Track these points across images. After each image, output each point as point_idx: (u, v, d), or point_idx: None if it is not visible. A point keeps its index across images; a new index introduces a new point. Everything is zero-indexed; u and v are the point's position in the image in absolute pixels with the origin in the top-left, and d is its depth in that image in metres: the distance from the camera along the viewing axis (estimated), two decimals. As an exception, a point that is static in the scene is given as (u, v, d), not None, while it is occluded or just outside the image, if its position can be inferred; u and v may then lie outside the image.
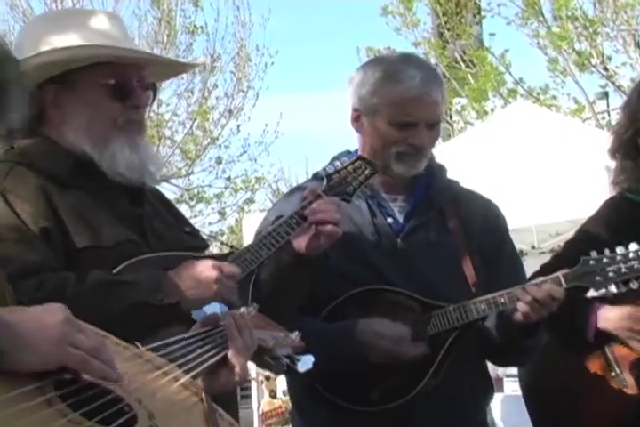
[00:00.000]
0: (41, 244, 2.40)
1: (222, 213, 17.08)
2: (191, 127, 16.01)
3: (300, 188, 3.09)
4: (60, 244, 2.42)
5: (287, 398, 9.64)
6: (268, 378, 9.21)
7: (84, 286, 2.34)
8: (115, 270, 2.42)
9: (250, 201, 17.29)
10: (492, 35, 15.53)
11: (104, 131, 2.54)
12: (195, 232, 2.78)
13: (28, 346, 1.55)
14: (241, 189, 17.08)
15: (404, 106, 2.92)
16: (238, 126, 16.19)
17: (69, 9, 2.54)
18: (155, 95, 2.69)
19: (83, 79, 2.55)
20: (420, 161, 2.97)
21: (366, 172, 2.82)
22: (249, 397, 10.19)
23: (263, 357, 2.20)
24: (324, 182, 2.79)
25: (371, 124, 2.98)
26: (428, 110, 2.95)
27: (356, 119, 3.03)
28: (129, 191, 2.60)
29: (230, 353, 2.03)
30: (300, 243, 2.69)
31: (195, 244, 2.68)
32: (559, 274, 2.84)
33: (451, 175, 3.19)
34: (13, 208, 2.41)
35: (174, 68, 2.99)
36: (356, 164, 2.83)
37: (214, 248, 2.84)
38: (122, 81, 2.56)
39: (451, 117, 15.59)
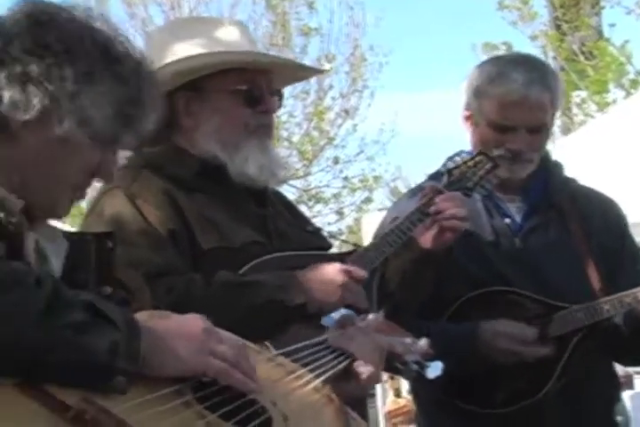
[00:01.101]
0: (169, 246, 2.44)
1: (340, 213, 17.11)
2: (308, 128, 16.10)
3: (419, 188, 3.08)
4: (187, 246, 2.46)
5: (412, 397, 9.63)
6: (392, 377, 9.19)
7: (211, 287, 2.38)
8: (241, 271, 2.45)
9: (368, 200, 17.27)
10: (611, 25, 15.21)
11: (236, 136, 2.58)
12: (317, 232, 2.80)
13: (169, 353, 1.59)
14: (359, 188, 17.07)
15: (503, 109, 2.89)
16: (355, 126, 16.22)
17: (194, 17, 2.56)
18: (280, 100, 2.71)
19: (213, 86, 2.58)
20: (519, 166, 2.92)
21: (487, 166, 2.81)
22: (373, 395, 10.21)
23: (392, 363, 2.20)
24: (445, 178, 2.79)
25: (476, 125, 2.97)
26: (528, 114, 2.90)
27: (467, 119, 3.02)
28: (252, 194, 2.63)
29: (359, 360, 2.04)
30: (426, 239, 2.68)
31: (318, 243, 2.70)
32: None
33: (571, 170, 3.15)
34: (141, 212, 2.46)
35: (297, 74, 2.99)
36: (477, 158, 2.82)
37: (335, 248, 2.86)
38: (253, 87, 2.60)
39: (570, 111, 15.31)
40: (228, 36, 2.67)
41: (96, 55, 1.73)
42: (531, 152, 2.93)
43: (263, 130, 2.64)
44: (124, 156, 2.78)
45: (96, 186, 2.09)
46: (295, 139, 16.07)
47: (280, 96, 2.71)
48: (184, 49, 2.61)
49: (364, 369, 2.04)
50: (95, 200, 2.59)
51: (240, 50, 2.64)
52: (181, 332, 1.63)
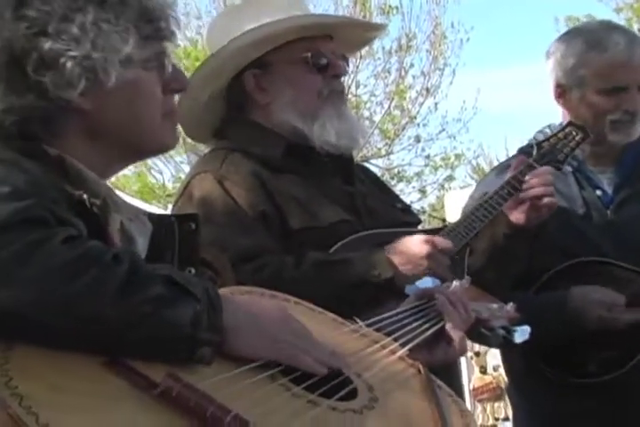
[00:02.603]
0: (259, 228, 2.46)
1: (423, 192, 17.05)
2: (389, 107, 16.03)
3: (507, 165, 3.05)
4: (277, 226, 2.48)
5: (497, 373, 9.57)
6: (477, 354, 9.12)
7: (302, 268, 2.39)
8: (331, 250, 2.46)
9: (450, 178, 17.16)
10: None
11: (311, 104, 2.59)
12: (406, 208, 2.79)
13: (248, 333, 1.59)
14: (440, 166, 16.98)
15: (612, 72, 2.88)
16: (436, 104, 16.10)
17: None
18: (347, 66, 2.70)
19: (280, 59, 2.60)
20: (635, 127, 2.91)
21: (577, 137, 2.78)
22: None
23: (479, 329, 2.18)
24: (534, 150, 2.76)
25: (580, 97, 2.93)
26: (637, 73, 2.91)
27: (561, 95, 2.97)
28: (340, 171, 2.64)
29: (447, 326, 2.02)
30: (519, 216, 2.67)
31: (407, 219, 2.69)
32: None
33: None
34: (230, 194, 2.49)
35: (360, 37, 2.93)
36: (567, 130, 2.79)
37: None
38: (319, 53, 2.60)
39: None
40: (283, 8, 2.66)
41: (83, 1, 1.70)
42: None
43: (336, 95, 2.64)
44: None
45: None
46: (377, 118, 16.02)
47: (346, 61, 2.70)
48: (245, 24, 2.61)
49: (454, 334, 2.02)
50: (185, 183, 2.63)
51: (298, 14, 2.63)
52: (260, 312, 1.63)
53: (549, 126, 2.94)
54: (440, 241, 2.45)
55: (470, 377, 9.94)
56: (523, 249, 2.75)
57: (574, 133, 2.78)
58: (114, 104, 1.74)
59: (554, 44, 3.00)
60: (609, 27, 3.01)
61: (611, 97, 2.89)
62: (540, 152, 2.76)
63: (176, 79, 1.82)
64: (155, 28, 1.76)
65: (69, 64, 1.67)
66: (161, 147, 1.85)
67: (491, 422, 9.84)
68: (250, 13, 2.66)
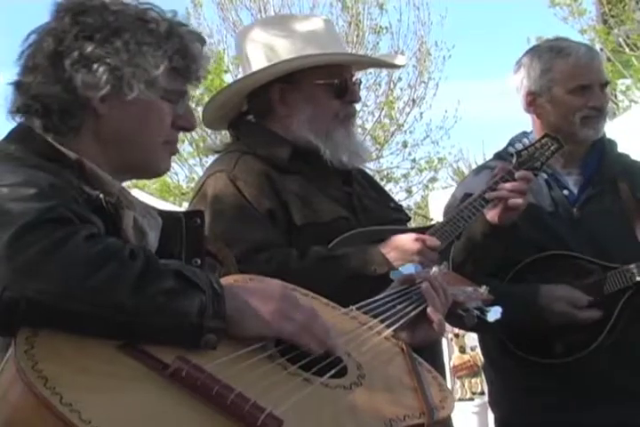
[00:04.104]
0: (267, 223, 2.45)
1: (409, 191, 17.03)
2: (379, 116, 16.02)
3: (485, 166, 3.05)
4: (283, 222, 2.47)
5: (475, 353, 9.59)
6: (457, 335, 9.16)
7: (305, 261, 2.39)
8: (330, 245, 2.45)
9: (433, 179, 17.14)
10: (654, 19, 14.85)
11: (327, 124, 2.58)
12: (398, 207, 2.79)
13: (250, 313, 1.57)
14: (425, 169, 16.96)
15: (577, 73, 2.88)
16: (421, 113, 16.11)
17: (284, 15, 2.51)
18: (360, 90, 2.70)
19: (306, 79, 2.58)
20: (601, 123, 2.92)
21: (552, 147, 2.77)
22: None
23: (455, 310, 2.16)
24: (514, 159, 2.75)
25: (550, 101, 2.91)
26: (598, 72, 2.94)
27: (531, 103, 2.96)
28: (340, 173, 2.63)
29: (429, 310, 2.01)
30: (494, 216, 2.66)
31: (399, 217, 2.69)
32: None
33: (619, 150, 3.08)
34: (242, 193, 2.48)
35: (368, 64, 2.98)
36: (543, 140, 2.78)
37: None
38: (342, 81, 2.60)
39: (616, 97, 15.00)
40: (317, 33, 2.65)
41: (135, 23, 1.73)
42: (606, 107, 2.94)
43: (349, 119, 2.64)
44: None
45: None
46: (368, 126, 16.00)
47: (359, 85, 2.70)
48: (280, 49, 2.60)
49: (434, 316, 2.01)
50: (201, 182, 2.62)
51: (330, 51, 2.62)
52: (262, 295, 1.61)
53: (527, 136, 2.93)
54: (429, 239, 2.46)
55: (451, 356, 9.97)
56: (497, 246, 2.74)
57: (550, 144, 2.77)
58: (126, 116, 1.73)
59: (520, 61, 3.00)
60: (565, 39, 3.06)
61: (578, 96, 2.88)
62: (520, 160, 2.75)
63: (186, 119, 1.82)
64: (185, 66, 1.76)
65: (102, 69, 1.68)
66: (152, 167, 1.82)
67: (468, 395, 9.86)
68: (286, 35, 2.63)
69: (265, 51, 2.63)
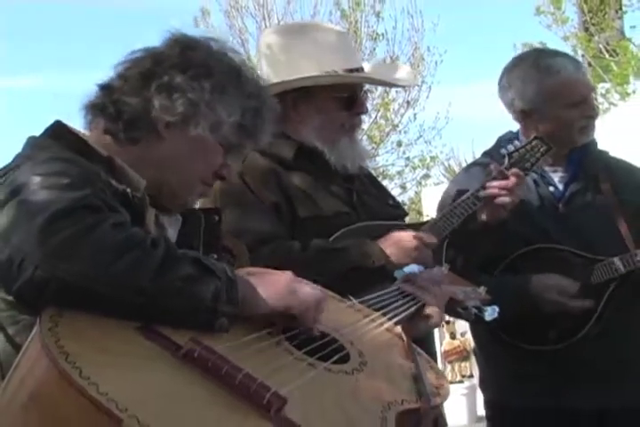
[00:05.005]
0: (273, 216, 2.45)
1: (403, 188, 17.02)
2: (376, 117, 16.01)
3: (475, 164, 3.04)
4: (288, 215, 2.46)
5: (464, 339, 9.59)
6: (448, 322, 9.15)
7: (307, 253, 2.38)
8: (331, 238, 2.45)
9: (426, 176, 17.13)
10: (632, 27, 14.79)
11: (333, 134, 2.57)
12: (396, 204, 2.79)
13: (260, 297, 1.58)
14: (418, 166, 16.96)
15: (570, 90, 2.86)
16: (415, 115, 16.08)
17: (305, 24, 2.48)
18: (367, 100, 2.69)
19: (317, 91, 2.57)
20: (594, 127, 2.93)
21: (542, 149, 2.75)
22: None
23: (455, 308, 2.19)
24: (506, 159, 2.73)
25: (546, 117, 2.88)
26: (587, 85, 2.95)
27: (524, 118, 2.93)
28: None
29: (427, 304, 2.03)
30: (484, 213, 2.64)
31: (396, 213, 2.69)
32: None
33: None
34: (250, 187, 2.47)
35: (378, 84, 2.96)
36: (533, 143, 2.76)
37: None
38: (352, 94, 2.59)
39: (597, 100, 14.99)
40: (335, 47, 2.62)
41: (230, 74, 1.77)
42: (598, 112, 2.97)
43: (355, 128, 2.64)
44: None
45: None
46: (365, 126, 15.95)
47: (366, 94, 2.69)
48: (298, 62, 2.58)
49: (432, 312, 2.02)
50: None
51: (346, 66, 2.59)
52: (272, 279, 1.63)
53: (513, 135, 2.93)
54: (426, 237, 2.46)
55: (442, 342, 9.97)
56: (486, 242, 2.73)
57: (540, 146, 2.76)
58: (182, 146, 1.76)
59: (506, 78, 2.94)
60: (547, 53, 3.01)
61: (573, 109, 2.86)
62: (511, 161, 2.73)
63: (229, 171, 1.84)
64: (253, 126, 1.79)
65: (181, 100, 1.72)
66: (180, 198, 1.82)
67: (458, 378, 9.87)
68: (304, 48, 2.60)
69: (283, 61, 2.61)
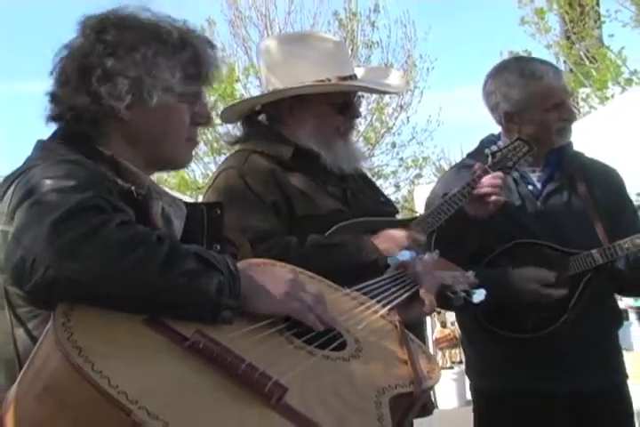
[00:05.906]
0: (272, 214, 2.44)
1: (397, 187, 16.99)
2: (371, 120, 15.99)
3: (462, 164, 3.04)
4: (286, 213, 2.46)
5: (454, 327, 9.60)
6: (439, 312, 9.15)
7: (304, 248, 2.38)
8: (327, 233, 2.44)
9: (419, 176, 17.09)
10: (610, 36, 14.76)
11: (329, 137, 2.57)
12: (388, 201, 2.78)
13: (262, 293, 1.57)
14: (411, 166, 16.92)
15: (551, 94, 2.87)
16: (408, 118, 16.05)
17: (305, 35, 2.46)
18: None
19: (313, 98, 2.56)
20: (571, 129, 2.94)
21: (524, 149, 2.76)
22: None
23: (444, 292, 2.15)
24: (490, 159, 2.73)
25: (528, 119, 2.89)
26: (565, 89, 2.97)
27: (508, 120, 2.93)
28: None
29: (421, 291, 2.01)
30: (473, 209, 2.65)
31: (388, 210, 2.68)
32: None
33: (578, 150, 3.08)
34: (250, 187, 2.47)
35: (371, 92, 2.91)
36: (516, 143, 2.77)
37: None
38: (346, 100, 2.59)
39: (577, 104, 14.98)
40: (332, 55, 2.61)
41: (151, 38, 1.72)
42: (575, 116, 2.98)
43: (349, 131, 2.63)
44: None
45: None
46: (361, 128, 15.93)
47: (360, 99, 2.68)
48: (296, 70, 2.57)
49: (426, 297, 2.00)
50: (214, 177, 2.61)
51: (341, 75, 2.59)
52: (273, 279, 1.61)
53: (494, 137, 2.94)
54: (416, 235, 2.47)
55: (433, 330, 9.96)
56: (474, 236, 2.73)
57: (521, 146, 2.76)
58: (150, 120, 1.74)
59: (491, 83, 2.95)
60: (529, 60, 3.04)
61: (553, 112, 2.87)
62: (494, 160, 2.73)
63: (203, 115, 1.82)
64: (198, 72, 1.76)
65: (123, 81, 1.68)
66: (178, 161, 1.84)
67: (448, 364, 9.87)
68: (303, 57, 2.59)
69: (282, 69, 2.60)
